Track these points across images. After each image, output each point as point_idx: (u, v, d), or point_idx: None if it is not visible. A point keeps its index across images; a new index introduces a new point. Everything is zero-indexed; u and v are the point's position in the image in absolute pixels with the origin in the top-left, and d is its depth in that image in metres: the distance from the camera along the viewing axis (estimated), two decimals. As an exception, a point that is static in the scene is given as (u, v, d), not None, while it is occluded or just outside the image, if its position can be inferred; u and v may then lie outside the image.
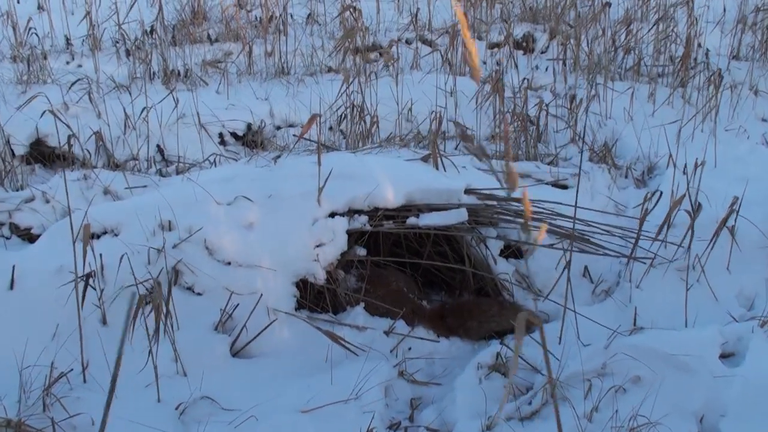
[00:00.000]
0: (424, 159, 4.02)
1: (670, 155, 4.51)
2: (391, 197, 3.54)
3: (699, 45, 6.24)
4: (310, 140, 4.19)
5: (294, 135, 4.81)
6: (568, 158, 4.71)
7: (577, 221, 3.76)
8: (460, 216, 3.55)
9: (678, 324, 3.45)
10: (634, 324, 3.44)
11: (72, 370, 3.03)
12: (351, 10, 4.99)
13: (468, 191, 3.68)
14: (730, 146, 4.76)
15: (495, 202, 3.73)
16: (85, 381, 3.07)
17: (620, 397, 2.83)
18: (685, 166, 4.34)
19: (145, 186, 4.13)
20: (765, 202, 4.00)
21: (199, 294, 3.39)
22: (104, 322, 3.30)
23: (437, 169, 3.86)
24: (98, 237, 3.52)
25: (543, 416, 2.84)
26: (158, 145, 5.15)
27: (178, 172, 4.66)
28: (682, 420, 2.73)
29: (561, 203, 3.70)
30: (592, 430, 2.68)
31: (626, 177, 4.56)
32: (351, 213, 3.56)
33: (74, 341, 3.13)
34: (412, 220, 3.55)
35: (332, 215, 3.52)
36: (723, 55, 6.37)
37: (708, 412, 2.80)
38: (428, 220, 3.54)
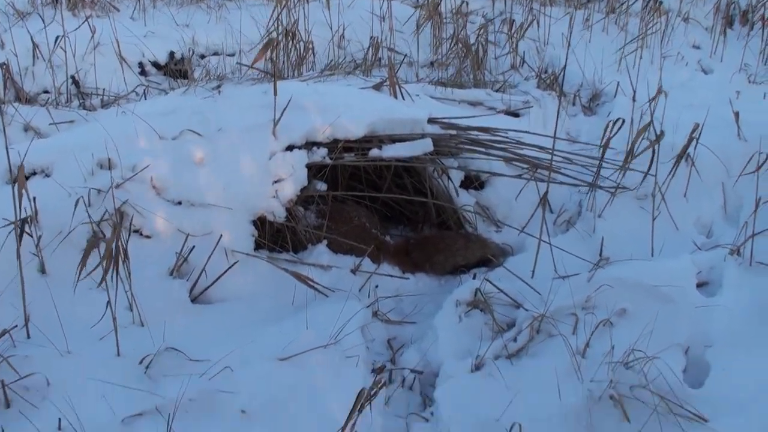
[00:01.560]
0: (376, 87, 3.80)
1: (618, 83, 4.46)
2: (352, 128, 3.31)
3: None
4: (260, 70, 3.90)
5: (238, 63, 4.47)
6: (514, 85, 4.57)
7: (538, 149, 3.65)
8: (425, 146, 3.36)
9: (644, 254, 3.39)
10: (600, 254, 3.37)
11: (16, 326, 2.73)
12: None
13: (431, 120, 3.49)
14: (672, 73, 4.73)
15: (456, 132, 3.56)
16: (29, 336, 2.79)
17: (608, 331, 2.75)
18: (634, 93, 4.29)
19: (71, 121, 3.76)
20: (715, 129, 3.97)
21: (148, 237, 3.13)
22: (43, 271, 3.00)
23: (396, 98, 3.65)
24: (27, 178, 3.17)
25: (531, 353, 2.73)
26: (73, 77, 4.72)
27: (103, 105, 4.28)
28: (671, 353, 2.67)
29: (528, 132, 3.56)
30: (587, 366, 2.59)
31: (574, 104, 4.47)
32: (309, 145, 3.33)
33: (11, 294, 2.84)
34: (375, 152, 3.33)
35: (290, 148, 3.29)
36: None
37: (693, 343, 2.75)
38: (392, 151, 3.33)
